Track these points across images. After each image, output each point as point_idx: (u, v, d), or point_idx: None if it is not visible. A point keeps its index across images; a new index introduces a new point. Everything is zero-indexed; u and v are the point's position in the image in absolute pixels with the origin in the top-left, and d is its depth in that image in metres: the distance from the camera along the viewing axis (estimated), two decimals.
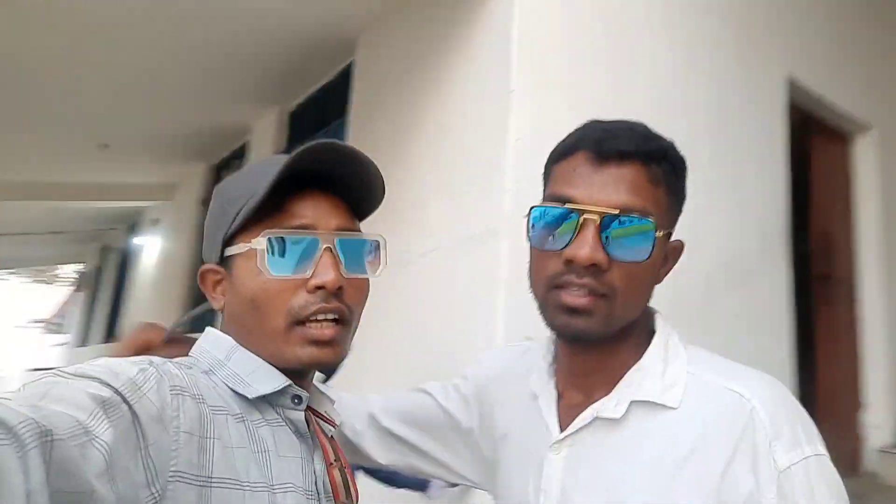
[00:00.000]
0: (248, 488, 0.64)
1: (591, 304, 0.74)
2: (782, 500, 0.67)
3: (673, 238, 0.83)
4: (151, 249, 7.53)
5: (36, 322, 18.31)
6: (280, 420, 0.73)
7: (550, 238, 0.76)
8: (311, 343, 0.71)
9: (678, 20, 2.99)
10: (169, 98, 4.66)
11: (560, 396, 0.85)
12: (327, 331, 0.72)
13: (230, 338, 0.75)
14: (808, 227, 3.86)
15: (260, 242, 0.71)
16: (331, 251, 0.72)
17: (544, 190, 0.84)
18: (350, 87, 3.68)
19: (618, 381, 0.79)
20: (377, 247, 0.79)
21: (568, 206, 0.75)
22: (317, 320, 0.71)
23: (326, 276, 0.71)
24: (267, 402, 0.72)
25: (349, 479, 0.79)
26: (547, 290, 0.77)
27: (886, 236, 4.05)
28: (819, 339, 3.71)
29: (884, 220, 4.06)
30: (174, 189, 7.16)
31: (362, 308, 0.78)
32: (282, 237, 0.71)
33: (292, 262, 0.71)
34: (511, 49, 2.38)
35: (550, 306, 0.77)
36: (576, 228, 0.74)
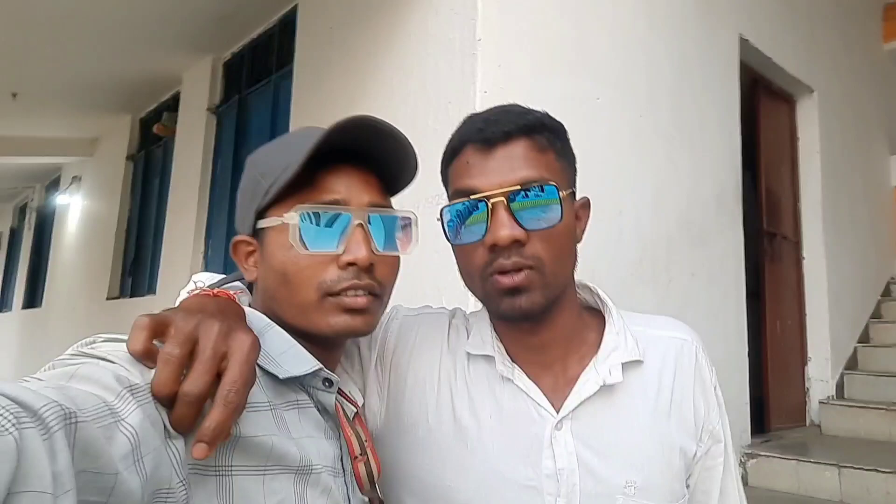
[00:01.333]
0: (270, 472, 0.63)
1: (525, 280, 0.77)
2: (720, 412, 0.88)
3: (580, 196, 0.87)
4: (74, 209, 7.01)
5: None
6: (309, 402, 0.72)
7: (468, 232, 0.79)
8: (345, 311, 0.72)
9: None
10: (87, 42, 4.24)
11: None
12: (360, 299, 0.72)
13: (263, 315, 0.74)
14: (757, 186, 3.91)
15: (292, 217, 0.70)
16: (362, 227, 0.72)
17: (447, 193, 0.86)
18: (293, 35, 3.42)
19: (580, 350, 0.85)
20: (409, 223, 0.79)
21: (473, 197, 0.78)
22: (349, 294, 0.72)
23: (358, 252, 0.71)
24: (298, 382, 0.71)
25: (375, 468, 0.77)
26: (483, 280, 0.80)
27: (827, 196, 4.17)
28: (766, 295, 3.81)
29: (824, 182, 4.17)
30: (96, 143, 6.64)
31: (393, 284, 0.78)
32: (314, 212, 0.71)
33: (324, 238, 0.71)
34: None
35: (491, 294, 0.80)
36: (488, 215, 0.77)
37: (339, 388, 0.77)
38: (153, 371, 0.55)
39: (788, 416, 3.80)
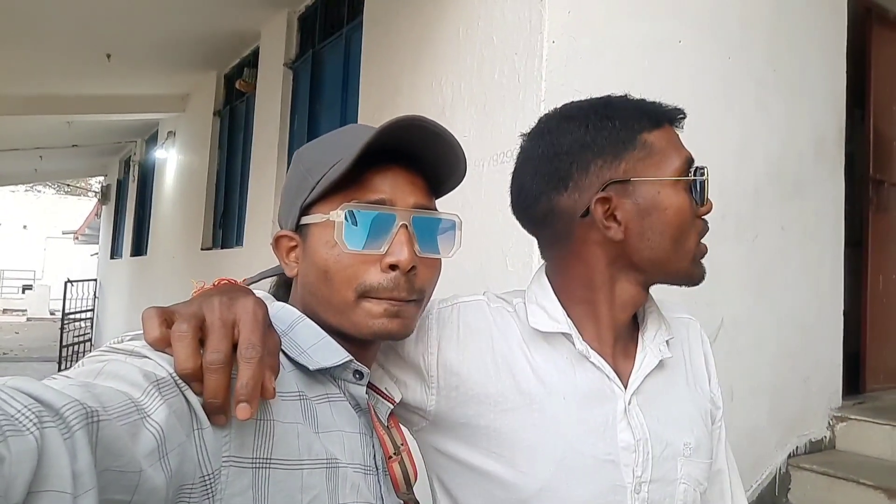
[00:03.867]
0: (307, 466, 0.64)
1: None
2: (717, 381, 0.99)
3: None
4: (170, 163, 7.41)
5: (68, 234, 18.73)
6: (341, 395, 0.72)
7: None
8: (383, 314, 0.71)
9: None
10: (173, 3, 4.36)
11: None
12: (398, 303, 0.72)
13: (295, 309, 0.75)
14: (864, 127, 3.56)
15: (338, 215, 0.70)
16: (406, 229, 0.72)
17: (646, 161, 0.84)
18: None
19: (630, 327, 0.90)
20: (453, 226, 0.78)
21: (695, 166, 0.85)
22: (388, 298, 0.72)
23: (401, 254, 0.71)
24: (329, 375, 0.72)
25: (410, 468, 0.77)
26: (690, 252, 0.85)
27: None
28: (870, 247, 3.51)
29: None
30: (186, 100, 6.92)
31: (433, 288, 0.78)
32: (359, 210, 0.71)
33: (368, 237, 0.71)
34: None
35: (697, 259, 0.86)
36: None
37: (374, 385, 0.78)
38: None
39: (887, 377, 3.55)
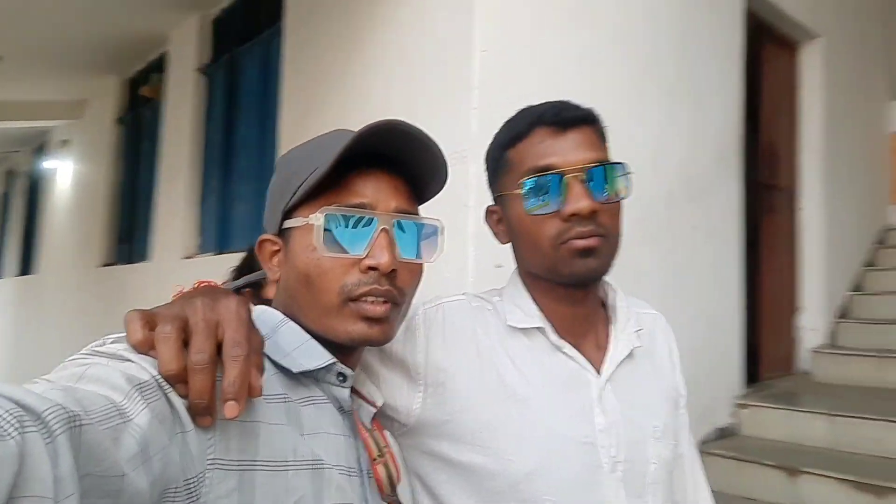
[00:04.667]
0: (292, 468, 0.64)
1: (598, 244, 0.87)
2: (679, 371, 1.05)
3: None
4: (63, 174, 6.90)
5: None
6: (325, 398, 0.72)
7: (546, 202, 0.87)
8: (363, 319, 0.71)
9: None
10: (71, 3, 4.10)
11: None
12: (379, 308, 0.71)
13: (278, 312, 0.75)
14: (757, 136, 3.88)
15: (318, 218, 0.70)
16: (387, 233, 0.72)
17: (504, 178, 0.93)
18: None
19: (601, 320, 0.97)
20: (435, 231, 0.79)
21: (551, 172, 0.86)
22: (368, 300, 0.72)
23: (381, 257, 0.71)
24: (313, 378, 0.72)
25: (394, 470, 0.79)
26: (554, 248, 0.87)
27: (827, 146, 4.14)
28: (763, 246, 3.82)
29: (825, 131, 4.13)
30: (84, 106, 6.48)
31: (414, 291, 0.78)
32: (340, 214, 0.71)
33: (348, 241, 0.71)
34: None
35: (564, 258, 0.87)
36: (565, 187, 0.85)
37: (356, 389, 0.78)
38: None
39: (780, 366, 3.87)
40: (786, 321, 4.00)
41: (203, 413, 0.56)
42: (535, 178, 0.87)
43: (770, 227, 3.92)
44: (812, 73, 4.17)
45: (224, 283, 0.81)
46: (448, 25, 2.24)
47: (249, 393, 0.58)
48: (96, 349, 0.57)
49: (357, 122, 2.35)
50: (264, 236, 0.79)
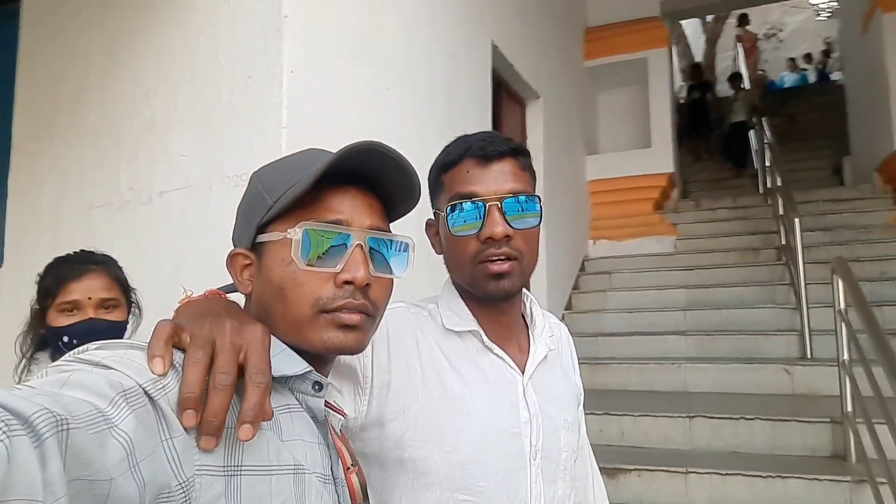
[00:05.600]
0: (276, 472, 0.65)
1: (510, 268, 0.98)
2: (578, 373, 1.20)
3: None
4: None
5: None
6: (299, 407, 0.74)
7: (467, 224, 0.98)
8: (338, 328, 0.73)
9: None
10: None
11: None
12: (354, 316, 0.73)
13: None
14: None
15: (296, 233, 0.72)
16: (362, 248, 0.74)
17: (438, 198, 1.06)
18: None
19: (521, 327, 1.10)
20: (406, 248, 0.82)
21: (474, 199, 0.98)
22: (343, 311, 0.74)
23: (356, 272, 0.73)
24: (287, 387, 0.74)
25: (364, 479, 0.82)
26: (473, 266, 0.98)
27: (547, 189, 4.90)
28: None
29: (544, 178, 4.89)
30: None
31: (386, 305, 0.81)
32: (317, 230, 0.73)
33: (324, 256, 0.73)
34: None
35: (479, 278, 0.98)
36: (485, 214, 0.97)
37: (325, 399, 0.80)
38: (149, 371, 0.58)
39: None
40: None
41: (213, 433, 0.58)
42: (460, 203, 0.98)
43: None
44: (536, 126, 4.97)
45: (219, 288, 0.84)
46: (252, 44, 2.18)
47: (262, 417, 0.61)
48: (79, 356, 0.57)
49: (133, 127, 2.25)
50: (236, 250, 0.78)
